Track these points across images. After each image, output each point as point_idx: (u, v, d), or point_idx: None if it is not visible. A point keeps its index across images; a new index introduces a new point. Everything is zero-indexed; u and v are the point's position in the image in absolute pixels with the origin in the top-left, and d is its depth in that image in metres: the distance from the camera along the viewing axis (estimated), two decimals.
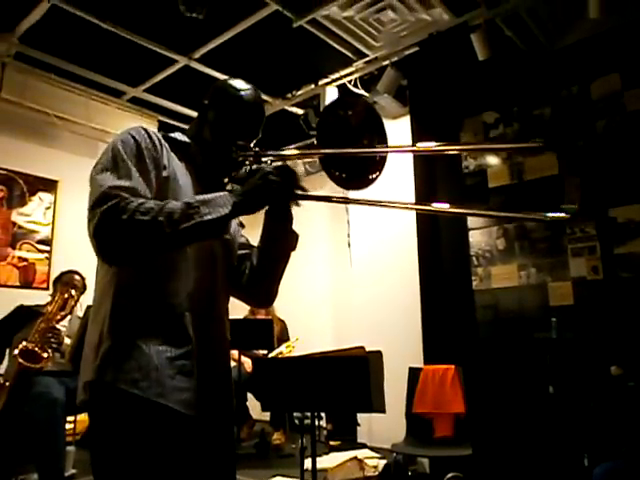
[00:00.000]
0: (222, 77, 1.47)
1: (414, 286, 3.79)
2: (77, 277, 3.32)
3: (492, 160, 3.70)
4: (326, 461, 3.27)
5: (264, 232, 1.37)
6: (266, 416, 4.40)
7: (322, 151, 1.22)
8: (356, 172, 1.19)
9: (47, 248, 4.60)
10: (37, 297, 3.53)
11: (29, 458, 2.88)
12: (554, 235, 3.36)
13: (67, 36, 3.84)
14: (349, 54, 4.07)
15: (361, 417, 4.32)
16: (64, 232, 4.58)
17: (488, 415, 3.21)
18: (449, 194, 3.79)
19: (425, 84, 4.03)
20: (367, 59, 4.13)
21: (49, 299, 3.22)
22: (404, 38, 3.85)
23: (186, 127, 1.42)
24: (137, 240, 1.07)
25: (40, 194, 4.61)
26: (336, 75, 4.33)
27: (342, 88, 4.35)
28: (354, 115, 1.21)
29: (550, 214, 1.01)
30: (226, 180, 1.32)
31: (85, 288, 3.30)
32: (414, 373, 3.32)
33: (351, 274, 4.76)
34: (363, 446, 4.02)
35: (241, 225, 1.50)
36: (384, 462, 3.32)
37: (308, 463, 2.18)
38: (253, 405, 4.34)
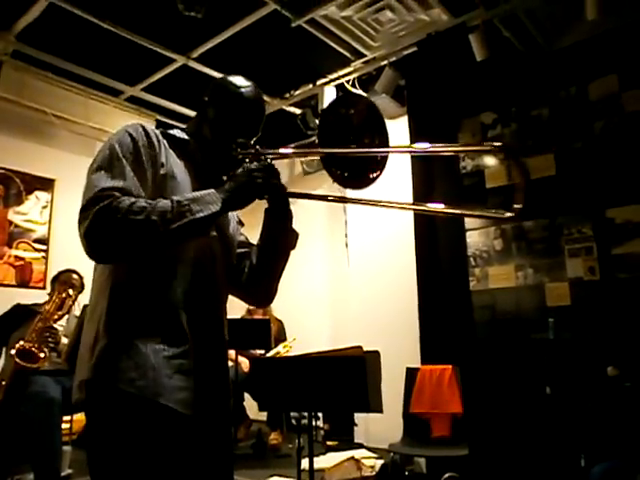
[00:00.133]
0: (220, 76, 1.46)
1: (411, 286, 3.79)
2: (75, 276, 3.31)
3: (490, 161, 3.71)
4: (323, 461, 3.27)
5: (264, 230, 1.36)
6: (263, 416, 4.39)
7: (320, 150, 1.22)
8: (357, 171, 1.19)
9: (44, 247, 4.59)
10: (34, 296, 3.52)
11: (25, 458, 2.86)
12: (551, 236, 3.36)
13: (65, 34, 3.82)
14: (347, 54, 4.07)
15: (358, 417, 4.32)
16: (61, 231, 4.57)
17: (485, 415, 3.20)
18: (447, 195, 3.79)
19: (423, 84, 4.03)
20: (365, 59, 4.13)
21: (46, 298, 3.21)
22: (402, 38, 3.86)
23: (184, 126, 1.41)
24: (131, 239, 1.07)
25: (37, 193, 4.60)
26: (334, 75, 4.33)
27: (341, 88, 4.35)
28: (356, 113, 1.21)
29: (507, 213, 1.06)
30: (225, 178, 1.31)
31: (83, 287, 3.29)
32: (411, 373, 3.33)
33: (348, 274, 4.76)
34: (360, 446, 4.02)
35: (240, 223, 1.49)
36: (381, 462, 3.32)
37: (305, 463, 2.18)
38: (250, 405, 4.34)
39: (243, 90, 1.31)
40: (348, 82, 4.31)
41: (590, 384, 2.88)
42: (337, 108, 1.23)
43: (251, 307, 4.54)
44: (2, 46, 3.88)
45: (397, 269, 4.20)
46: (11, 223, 4.43)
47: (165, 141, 1.25)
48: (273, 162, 1.22)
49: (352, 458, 3.29)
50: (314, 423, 4.15)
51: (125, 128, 1.20)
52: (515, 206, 1.04)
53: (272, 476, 3.29)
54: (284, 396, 2.03)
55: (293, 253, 1.39)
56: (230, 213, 1.38)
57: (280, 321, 4.70)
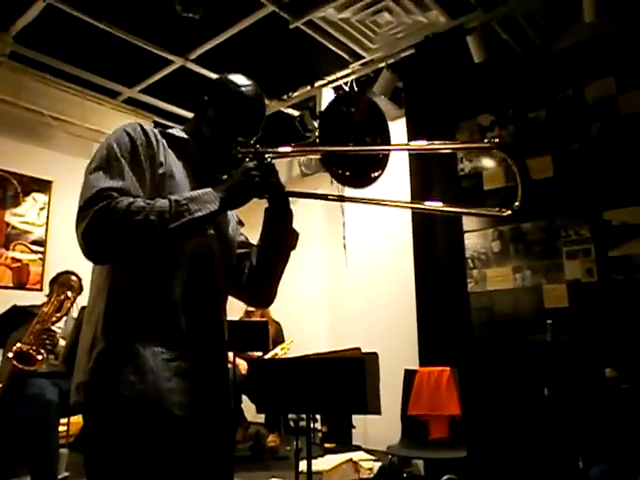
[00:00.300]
0: None
1: (410, 288, 3.80)
2: (74, 278, 3.30)
3: (487, 162, 3.71)
4: (321, 463, 3.27)
5: (264, 230, 1.36)
6: (261, 418, 4.39)
7: (320, 148, 1.22)
8: (358, 170, 1.18)
9: (41, 249, 4.57)
10: (31, 298, 3.50)
11: (22, 460, 2.86)
12: (549, 238, 3.37)
13: (62, 36, 3.82)
14: (345, 56, 4.08)
15: (356, 419, 4.32)
16: (58, 233, 4.55)
17: (483, 417, 3.20)
18: (444, 197, 3.79)
19: (421, 86, 4.04)
20: (363, 61, 4.14)
21: (43, 300, 3.19)
22: (400, 40, 3.86)
23: (182, 127, 1.39)
24: (129, 239, 1.07)
25: (34, 195, 4.59)
26: (332, 77, 4.34)
27: (339, 90, 4.35)
28: (357, 112, 1.20)
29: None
30: (224, 177, 1.29)
31: (82, 289, 3.27)
32: (409, 375, 3.32)
33: (346, 276, 4.76)
34: (358, 448, 4.01)
35: (240, 223, 1.48)
36: (379, 464, 3.32)
37: (303, 465, 2.18)
38: (248, 407, 4.32)
39: (244, 89, 1.30)
40: (346, 84, 4.31)
41: (588, 386, 2.88)
42: (338, 107, 1.22)
43: (249, 309, 4.54)
44: None
45: (395, 271, 4.20)
46: (8, 225, 4.42)
47: (164, 140, 1.24)
48: (273, 162, 1.22)
49: (350, 460, 3.29)
50: (312, 425, 4.13)
51: (123, 127, 1.19)
52: (515, 204, 1.04)
53: (270, 478, 3.29)
54: (282, 398, 2.02)
55: (291, 254, 1.38)
56: (230, 213, 1.38)
57: (278, 323, 4.69)
